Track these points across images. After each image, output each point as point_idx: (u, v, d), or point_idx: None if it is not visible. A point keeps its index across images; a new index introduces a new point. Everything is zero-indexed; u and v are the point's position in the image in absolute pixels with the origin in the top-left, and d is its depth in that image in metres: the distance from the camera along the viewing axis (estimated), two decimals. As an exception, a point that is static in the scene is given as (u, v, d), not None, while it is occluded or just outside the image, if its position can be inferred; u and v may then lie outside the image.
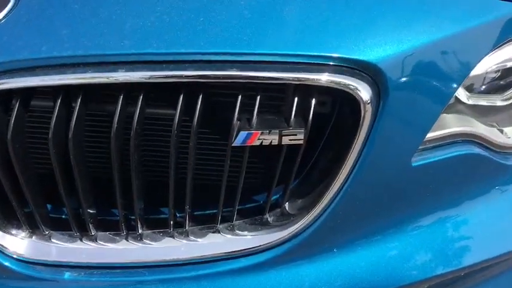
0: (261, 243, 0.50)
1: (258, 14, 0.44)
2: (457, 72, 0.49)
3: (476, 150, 0.53)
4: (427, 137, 0.51)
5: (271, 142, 0.43)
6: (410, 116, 0.48)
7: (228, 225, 0.50)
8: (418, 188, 0.51)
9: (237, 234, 0.50)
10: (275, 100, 0.46)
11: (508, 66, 0.57)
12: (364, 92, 0.44)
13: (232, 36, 0.43)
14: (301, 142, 0.43)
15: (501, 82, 0.61)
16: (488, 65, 0.54)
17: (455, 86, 0.49)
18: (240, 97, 0.43)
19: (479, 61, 0.51)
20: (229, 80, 0.42)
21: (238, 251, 0.49)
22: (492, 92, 0.60)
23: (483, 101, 0.59)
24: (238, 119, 0.43)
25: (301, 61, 0.43)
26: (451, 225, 0.53)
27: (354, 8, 0.46)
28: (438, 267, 0.52)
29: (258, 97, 0.43)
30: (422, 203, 0.52)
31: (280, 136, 0.43)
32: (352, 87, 0.44)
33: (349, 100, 0.44)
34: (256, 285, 0.49)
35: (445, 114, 0.56)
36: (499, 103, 0.60)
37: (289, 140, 0.43)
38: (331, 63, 0.44)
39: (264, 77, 0.42)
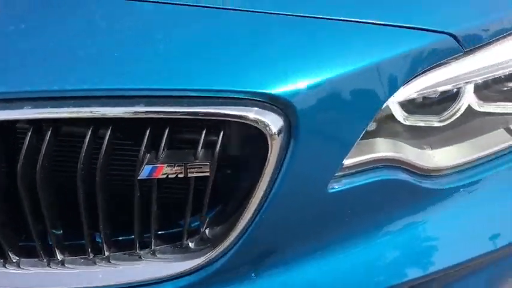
0: (181, 269, 0.51)
1: (170, 50, 0.45)
2: (370, 104, 0.49)
3: (399, 175, 0.54)
4: (346, 163, 0.52)
5: (177, 175, 0.44)
6: (323, 147, 0.48)
7: (149, 250, 0.51)
8: (336, 214, 0.52)
9: (159, 259, 0.51)
10: (188, 134, 0.47)
11: (439, 90, 0.58)
12: (272, 125, 0.45)
13: (142, 72, 0.43)
14: (207, 174, 0.44)
15: (437, 104, 0.63)
16: (417, 89, 0.54)
17: (369, 117, 0.50)
18: (147, 132, 0.44)
19: (397, 91, 0.52)
20: (137, 116, 0.43)
21: (158, 277, 0.50)
22: (430, 113, 0.61)
23: (421, 122, 0.60)
24: (146, 153, 0.44)
25: (209, 95, 0.44)
26: (370, 251, 0.55)
27: (266, 44, 0.47)
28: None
29: (166, 132, 0.44)
30: (344, 228, 0.53)
31: (186, 169, 0.44)
32: (258, 121, 0.44)
33: (258, 132, 0.45)
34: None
35: (375, 139, 0.57)
36: (436, 124, 0.61)
37: (196, 172, 0.44)
38: (240, 97, 0.44)
39: (170, 112, 0.43)
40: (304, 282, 0.51)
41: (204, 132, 0.44)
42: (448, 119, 0.61)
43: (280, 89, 0.45)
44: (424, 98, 0.65)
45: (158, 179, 0.46)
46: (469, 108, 0.64)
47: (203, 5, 0.46)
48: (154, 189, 0.44)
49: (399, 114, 0.59)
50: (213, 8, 0.46)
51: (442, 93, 0.63)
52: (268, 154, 0.45)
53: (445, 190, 0.57)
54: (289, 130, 0.46)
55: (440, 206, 0.57)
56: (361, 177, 0.52)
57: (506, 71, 0.60)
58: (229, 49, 0.45)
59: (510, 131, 0.65)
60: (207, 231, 0.51)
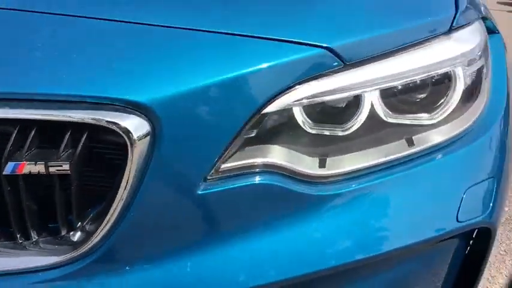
0: (64, 259, 0.55)
1: (35, 56, 0.48)
2: (238, 113, 0.52)
3: (277, 181, 0.57)
4: (223, 167, 0.56)
5: (39, 171, 0.48)
6: (188, 151, 0.51)
7: (32, 241, 0.55)
8: (207, 215, 0.55)
9: (42, 249, 0.56)
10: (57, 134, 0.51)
11: (324, 100, 0.60)
12: (132, 130, 0.48)
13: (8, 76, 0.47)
14: (68, 172, 0.48)
15: (342, 114, 0.65)
16: (294, 99, 0.57)
17: (236, 125, 0.53)
18: (15, 132, 0.48)
19: (270, 101, 0.54)
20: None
21: (39, 266, 0.55)
22: (335, 122, 0.63)
23: (326, 131, 0.63)
24: (17, 151, 0.48)
25: (73, 100, 0.48)
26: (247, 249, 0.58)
27: (130, 52, 0.50)
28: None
29: (32, 132, 0.48)
30: (215, 228, 0.57)
31: (47, 167, 0.48)
32: (117, 125, 0.48)
33: (118, 136, 0.49)
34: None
35: (265, 145, 0.60)
36: (340, 133, 0.64)
37: (57, 170, 0.48)
38: (103, 102, 0.48)
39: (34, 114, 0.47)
40: (170, 278, 0.55)
41: (69, 133, 0.48)
42: (349, 128, 0.64)
43: (141, 95, 0.48)
44: (332, 107, 0.68)
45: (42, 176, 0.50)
46: (378, 118, 0.67)
47: (59, 12, 0.49)
48: (21, 185, 0.48)
49: (304, 122, 0.62)
50: (73, 16, 0.49)
51: (348, 102, 0.66)
52: (129, 157, 0.49)
53: (330, 196, 0.60)
54: (154, 135, 0.50)
55: (322, 211, 0.60)
56: (236, 181, 0.55)
57: (397, 83, 0.63)
58: (94, 58, 0.49)
59: (411, 141, 0.67)
60: (87, 226, 0.55)
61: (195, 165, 0.52)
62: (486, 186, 0.68)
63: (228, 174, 0.55)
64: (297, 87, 0.55)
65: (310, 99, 0.57)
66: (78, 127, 0.48)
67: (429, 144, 0.66)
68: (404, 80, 0.63)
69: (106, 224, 0.52)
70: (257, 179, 0.56)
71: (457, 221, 0.64)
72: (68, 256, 0.53)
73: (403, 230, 0.62)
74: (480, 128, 0.72)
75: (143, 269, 0.54)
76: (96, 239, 0.52)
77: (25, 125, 0.47)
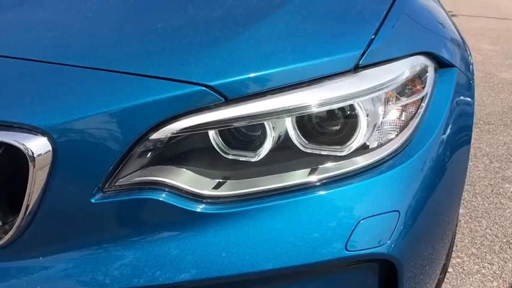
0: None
1: None
2: (120, 140, 0.63)
3: (163, 197, 0.66)
4: (120, 181, 0.66)
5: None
6: (82, 168, 0.63)
7: None
8: (98, 221, 0.66)
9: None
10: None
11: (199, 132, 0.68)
12: (36, 150, 0.61)
13: None
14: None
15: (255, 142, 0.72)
16: (175, 129, 0.65)
17: (119, 149, 0.63)
18: None
19: (152, 128, 0.64)
20: None
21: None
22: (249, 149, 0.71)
23: (241, 157, 0.71)
24: None
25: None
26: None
27: (35, 86, 0.64)
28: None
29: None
30: (106, 233, 0.67)
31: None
32: (21, 145, 0.62)
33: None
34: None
35: (162, 166, 0.69)
36: (253, 159, 0.71)
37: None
38: (13, 125, 0.62)
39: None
40: (71, 271, 0.66)
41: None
42: (259, 155, 0.71)
43: (41, 121, 0.62)
44: (246, 135, 0.76)
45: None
46: (294, 147, 0.73)
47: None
48: None
49: (220, 148, 0.71)
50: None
51: (261, 132, 0.73)
52: (31, 170, 0.62)
53: (215, 214, 0.67)
54: (54, 153, 0.63)
55: (206, 227, 0.67)
56: (128, 195, 0.65)
57: (286, 115, 0.69)
58: (6, 91, 0.64)
59: (314, 170, 0.72)
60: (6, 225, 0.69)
61: (89, 179, 0.64)
62: (386, 219, 0.69)
63: (124, 189, 0.66)
64: (180, 118, 0.65)
65: (194, 129, 0.65)
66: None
67: (328, 174, 0.70)
68: (299, 112, 0.69)
69: (22, 220, 0.65)
70: (147, 195, 0.66)
71: (346, 249, 0.67)
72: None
73: (286, 252, 0.66)
74: (393, 162, 0.73)
75: (52, 261, 0.67)
76: (12, 235, 0.66)
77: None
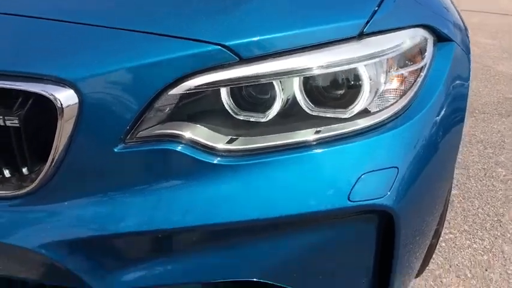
0: (20, 192, 0.74)
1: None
2: (140, 94, 0.68)
3: (183, 149, 0.71)
4: (140, 133, 0.71)
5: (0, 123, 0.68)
6: (105, 120, 0.69)
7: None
8: (120, 169, 0.71)
9: (6, 185, 0.75)
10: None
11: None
12: (62, 99, 0.67)
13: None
14: (18, 125, 0.68)
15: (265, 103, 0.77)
16: (192, 85, 0.70)
17: (140, 104, 0.68)
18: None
19: (171, 84, 0.69)
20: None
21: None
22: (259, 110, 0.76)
23: (251, 118, 0.76)
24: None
25: (22, 75, 0.68)
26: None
27: (64, 42, 0.69)
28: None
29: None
30: (130, 180, 0.72)
31: (4, 120, 0.68)
32: (52, 95, 0.67)
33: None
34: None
35: (184, 122, 0.75)
36: (262, 120, 0.77)
37: (11, 123, 0.68)
38: (38, 77, 0.67)
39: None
40: (93, 215, 0.72)
41: (21, 99, 0.68)
42: (268, 116, 0.77)
43: (69, 74, 0.67)
44: (256, 97, 0.81)
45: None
46: (301, 110, 0.79)
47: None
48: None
49: (232, 109, 0.76)
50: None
51: (270, 93, 0.79)
52: (60, 120, 0.67)
53: (229, 166, 0.73)
54: (80, 105, 0.68)
55: (220, 177, 0.72)
56: (149, 145, 0.71)
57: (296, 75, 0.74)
58: (38, 47, 0.69)
59: (317, 132, 0.77)
60: (36, 171, 0.74)
61: (112, 130, 0.69)
62: (385, 174, 0.75)
63: (145, 140, 0.71)
64: (197, 75, 0.70)
65: (209, 86, 0.71)
66: (26, 95, 0.68)
67: (332, 133, 0.76)
68: (307, 73, 0.74)
69: (48, 169, 0.70)
70: (165, 146, 0.71)
71: (349, 200, 0.72)
72: (24, 191, 0.72)
73: (293, 201, 0.72)
74: (393, 124, 0.79)
75: (77, 204, 0.72)
76: (39, 183, 0.71)
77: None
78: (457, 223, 1.71)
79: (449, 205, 1.46)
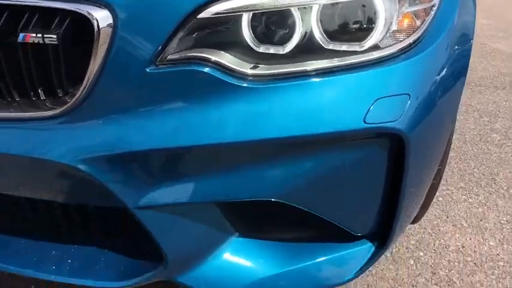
0: (58, 112, 0.79)
1: None
2: (171, 16, 0.72)
3: (213, 71, 0.75)
4: (170, 57, 0.75)
5: (39, 42, 0.72)
6: (137, 41, 0.73)
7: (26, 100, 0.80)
8: (154, 88, 0.76)
9: (45, 105, 0.80)
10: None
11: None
12: (98, 18, 0.70)
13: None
14: (56, 43, 0.72)
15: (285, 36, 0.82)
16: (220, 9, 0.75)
17: (171, 24, 0.72)
18: (26, 14, 0.73)
19: (199, 7, 0.73)
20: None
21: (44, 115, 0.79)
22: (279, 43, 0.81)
23: (271, 50, 0.80)
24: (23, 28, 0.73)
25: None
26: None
27: None
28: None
29: (36, 16, 0.72)
30: (161, 100, 0.77)
31: (43, 38, 0.72)
32: (90, 14, 0.71)
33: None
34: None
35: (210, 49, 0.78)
36: (281, 52, 0.81)
37: (49, 41, 0.72)
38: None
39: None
40: (123, 131, 0.76)
41: (58, 18, 0.72)
42: (287, 48, 0.81)
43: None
44: (275, 30, 0.85)
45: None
46: (318, 44, 0.83)
47: None
48: (28, 50, 0.74)
49: (252, 42, 0.81)
50: None
51: (288, 27, 0.83)
52: (97, 39, 0.71)
53: (255, 88, 0.77)
54: (115, 25, 0.72)
55: (247, 98, 0.77)
56: (180, 67, 0.75)
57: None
58: None
59: (335, 61, 0.82)
60: (73, 90, 0.78)
61: (143, 52, 0.73)
62: (398, 100, 0.80)
63: (175, 62, 0.75)
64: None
65: (234, 11, 0.75)
66: (64, 14, 0.72)
67: (349, 61, 0.81)
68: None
69: (84, 89, 0.75)
70: (194, 67, 0.75)
71: (364, 122, 0.78)
72: (60, 110, 0.76)
73: (314, 121, 0.77)
74: (405, 56, 0.84)
75: (111, 121, 0.77)
76: (76, 100, 0.75)
77: (31, 10, 0.72)
78: (454, 181, 1.79)
79: (446, 166, 1.53)
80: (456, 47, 0.94)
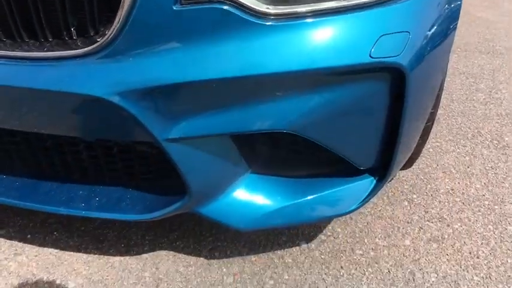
0: (91, 49, 0.85)
1: None
2: None
3: (230, 9, 0.83)
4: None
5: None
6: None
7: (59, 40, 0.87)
8: (180, 25, 0.83)
9: (78, 44, 0.87)
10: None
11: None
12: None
13: None
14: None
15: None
16: None
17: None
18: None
19: None
20: None
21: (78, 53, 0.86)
22: None
23: None
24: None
25: None
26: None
27: None
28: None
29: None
30: (188, 35, 0.84)
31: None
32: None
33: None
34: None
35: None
36: None
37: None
38: None
39: None
40: (156, 66, 0.84)
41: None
42: None
43: None
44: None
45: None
46: None
47: None
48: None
49: None
50: None
51: None
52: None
53: (269, 26, 0.85)
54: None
55: (262, 34, 0.85)
56: (204, 4, 0.82)
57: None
58: None
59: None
60: (105, 30, 0.85)
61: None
62: (399, 36, 0.89)
63: (198, 1, 0.82)
64: None
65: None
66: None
67: (357, 1, 0.89)
68: None
69: (116, 26, 0.81)
70: (219, 5, 0.82)
71: (370, 56, 0.87)
72: (93, 47, 0.83)
73: (325, 54, 0.85)
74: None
75: (141, 57, 0.84)
76: (109, 37, 0.82)
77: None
78: (443, 134, 1.90)
79: (435, 122, 1.64)
80: (449, -8, 1.03)
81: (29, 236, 1.34)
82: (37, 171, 1.11)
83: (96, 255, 1.28)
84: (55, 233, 1.35)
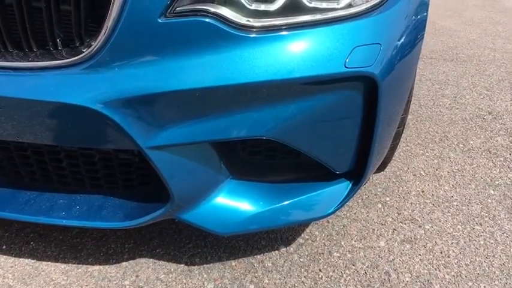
0: (76, 60, 0.86)
1: None
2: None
3: (212, 21, 0.86)
4: (178, 9, 0.85)
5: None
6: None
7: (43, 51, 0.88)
8: (163, 39, 0.85)
9: (63, 55, 0.88)
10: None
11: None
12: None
13: None
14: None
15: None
16: None
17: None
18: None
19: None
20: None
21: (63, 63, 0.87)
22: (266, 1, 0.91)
23: (262, 7, 0.91)
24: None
25: None
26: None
27: None
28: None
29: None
30: (170, 47, 0.86)
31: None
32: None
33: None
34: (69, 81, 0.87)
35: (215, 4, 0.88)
36: (271, 9, 0.92)
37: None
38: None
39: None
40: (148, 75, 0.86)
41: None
42: (275, 4, 0.92)
43: None
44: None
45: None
46: (302, 3, 0.95)
47: None
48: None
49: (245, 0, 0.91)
50: None
51: None
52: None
53: (250, 38, 0.89)
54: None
55: (243, 45, 0.88)
56: (187, 18, 0.85)
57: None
58: None
59: (318, 15, 0.94)
60: (90, 41, 0.86)
61: (157, 3, 0.82)
62: (371, 48, 0.94)
63: (182, 14, 0.85)
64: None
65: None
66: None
67: (331, 15, 0.93)
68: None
69: (102, 37, 0.83)
70: (202, 19, 0.85)
71: (345, 66, 0.91)
72: (78, 57, 0.84)
73: (300, 65, 0.89)
74: (374, 12, 0.98)
75: (125, 67, 0.86)
76: (95, 47, 0.83)
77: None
78: (412, 138, 1.99)
79: (405, 127, 1.71)
80: (417, 5, 1.09)
81: (4, 246, 1.32)
82: (16, 180, 1.10)
83: (75, 265, 1.27)
84: (31, 242, 1.34)
